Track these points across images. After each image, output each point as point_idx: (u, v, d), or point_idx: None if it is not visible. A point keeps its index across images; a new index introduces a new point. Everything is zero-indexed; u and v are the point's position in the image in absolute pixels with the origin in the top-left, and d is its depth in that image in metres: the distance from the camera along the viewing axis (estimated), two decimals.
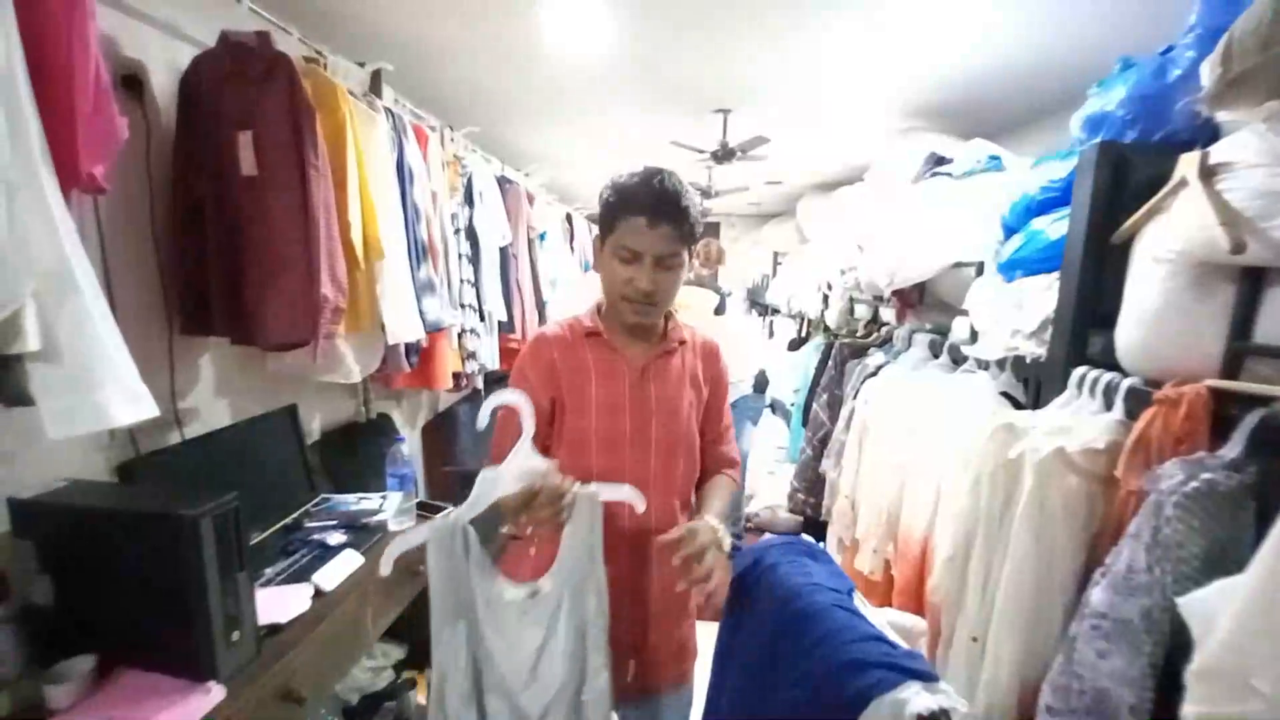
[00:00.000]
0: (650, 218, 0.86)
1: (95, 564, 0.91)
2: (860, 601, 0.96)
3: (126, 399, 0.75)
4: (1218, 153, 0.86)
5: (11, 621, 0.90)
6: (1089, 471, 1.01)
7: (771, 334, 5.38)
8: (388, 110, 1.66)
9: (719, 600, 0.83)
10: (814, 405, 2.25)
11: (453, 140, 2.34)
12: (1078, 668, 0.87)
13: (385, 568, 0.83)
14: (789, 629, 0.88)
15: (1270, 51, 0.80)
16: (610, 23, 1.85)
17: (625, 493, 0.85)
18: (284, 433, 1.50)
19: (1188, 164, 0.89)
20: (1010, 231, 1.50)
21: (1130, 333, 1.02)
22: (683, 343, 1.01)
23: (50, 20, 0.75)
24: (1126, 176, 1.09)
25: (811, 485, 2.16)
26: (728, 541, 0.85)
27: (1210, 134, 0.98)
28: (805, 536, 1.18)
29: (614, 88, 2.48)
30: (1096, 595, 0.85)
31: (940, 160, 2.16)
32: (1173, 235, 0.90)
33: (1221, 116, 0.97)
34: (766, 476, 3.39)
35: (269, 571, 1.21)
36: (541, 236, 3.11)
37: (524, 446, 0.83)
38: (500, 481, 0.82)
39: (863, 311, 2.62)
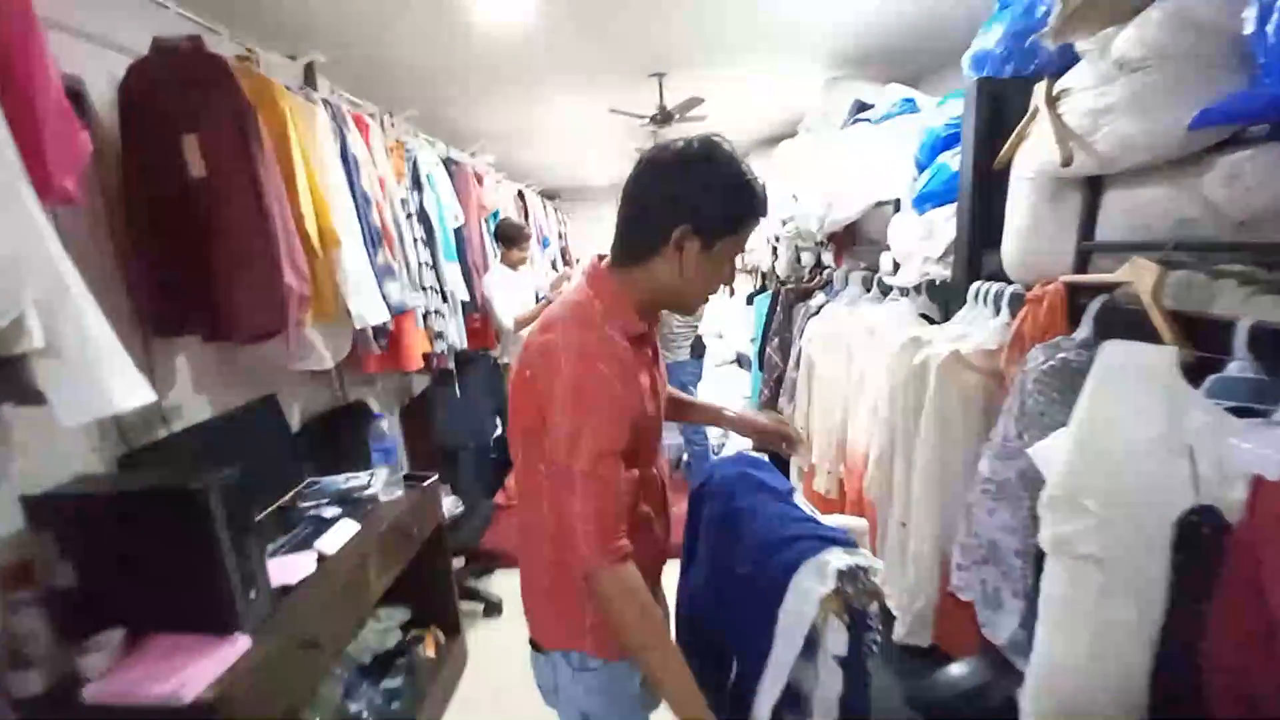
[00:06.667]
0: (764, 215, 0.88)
1: (114, 543, 1.01)
2: (800, 501, 1.12)
3: (128, 386, 0.84)
4: (1062, 81, 1.00)
5: (37, 605, 0.99)
6: (985, 369, 1.18)
7: (732, 292, 5.52)
8: (325, 101, 1.70)
9: None
10: (767, 349, 2.40)
11: (393, 125, 2.35)
12: (975, 526, 1.05)
13: None
14: (734, 522, 1.03)
15: None
16: None
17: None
18: (266, 421, 1.58)
19: (1039, 93, 1.03)
20: (922, 168, 1.64)
21: (1010, 247, 1.17)
22: None
23: (8, 45, 0.80)
24: (1003, 109, 1.23)
25: None
26: None
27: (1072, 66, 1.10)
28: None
29: (547, 58, 2.51)
30: (983, 464, 1.02)
31: (863, 107, 2.29)
32: (1031, 156, 1.05)
33: (1080, 48, 1.11)
34: None
35: (272, 546, 1.31)
36: (493, 216, 3.16)
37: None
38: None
39: (808, 259, 2.77)
